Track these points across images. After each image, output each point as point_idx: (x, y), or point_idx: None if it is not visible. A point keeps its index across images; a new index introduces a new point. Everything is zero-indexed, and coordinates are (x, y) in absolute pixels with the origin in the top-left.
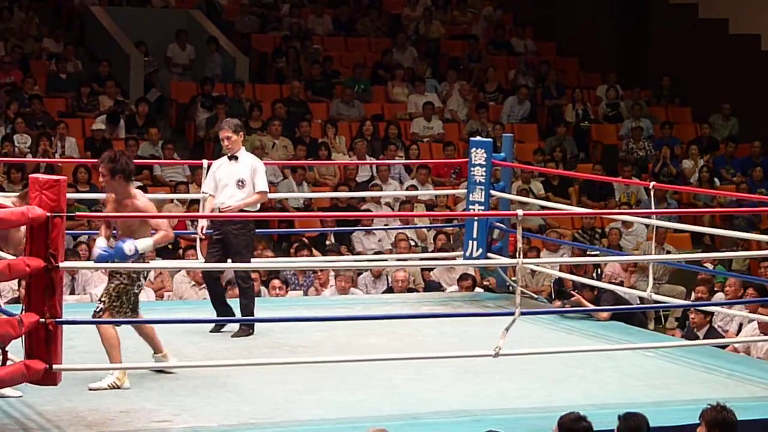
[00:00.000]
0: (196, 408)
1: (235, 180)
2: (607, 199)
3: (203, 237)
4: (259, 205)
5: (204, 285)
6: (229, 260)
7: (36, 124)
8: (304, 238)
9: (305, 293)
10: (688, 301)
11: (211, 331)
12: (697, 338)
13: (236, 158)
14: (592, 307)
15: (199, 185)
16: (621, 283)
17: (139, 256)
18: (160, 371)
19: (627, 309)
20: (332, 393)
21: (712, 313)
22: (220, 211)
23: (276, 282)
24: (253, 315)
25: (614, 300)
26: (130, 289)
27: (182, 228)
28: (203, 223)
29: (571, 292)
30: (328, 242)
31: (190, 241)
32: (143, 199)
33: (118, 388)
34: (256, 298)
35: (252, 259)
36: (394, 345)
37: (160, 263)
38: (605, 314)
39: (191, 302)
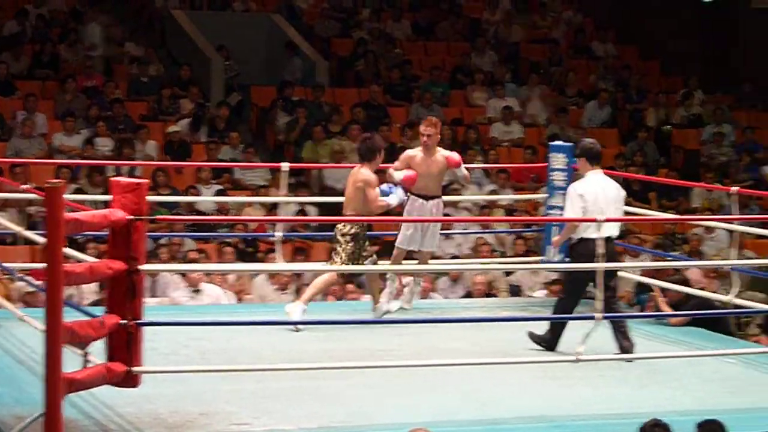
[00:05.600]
0: (275, 411)
1: None
2: (684, 204)
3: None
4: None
5: (286, 289)
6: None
7: (117, 128)
8: (380, 243)
9: None
10: None
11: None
12: None
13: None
14: (668, 311)
15: (279, 188)
16: (702, 289)
17: None
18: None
19: (707, 314)
20: (411, 397)
21: None
22: None
23: (350, 286)
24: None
25: (699, 306)
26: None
27: (262, 231)
28: None
29: (652, 287)
30: None
31: (270, 245)
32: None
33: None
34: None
35: None
36: (473, 349)
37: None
38: (681, 319)
39: (273, 305)
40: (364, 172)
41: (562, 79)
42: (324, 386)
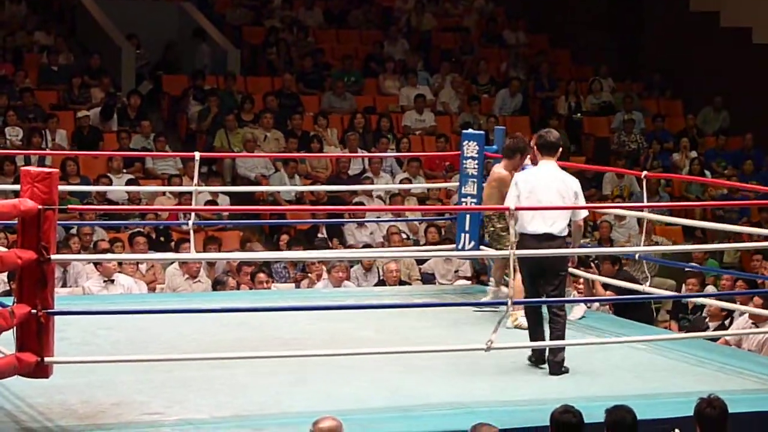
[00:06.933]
0: (187, 400)
1: None
2: (595, 191)
3: None
4: None
5: (197, 279)
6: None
7: (27, 117)
8: (291, 232)
9: (297, 286)
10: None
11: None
12: (707, 329)
13: None
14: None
15: (191, 178)
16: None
17: None
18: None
19: (620, 299)
20: (323, 385)
21: (729, 312)
22: None
23: (261, 276)
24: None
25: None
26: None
27: (174, 220)
28: None
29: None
30: (319, 235)
31: (182, 234)
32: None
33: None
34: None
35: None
36: (385, 338)
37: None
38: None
39: (185, 294)
40: (498, 170)
41: (473, 67)
42: (235, 375)
